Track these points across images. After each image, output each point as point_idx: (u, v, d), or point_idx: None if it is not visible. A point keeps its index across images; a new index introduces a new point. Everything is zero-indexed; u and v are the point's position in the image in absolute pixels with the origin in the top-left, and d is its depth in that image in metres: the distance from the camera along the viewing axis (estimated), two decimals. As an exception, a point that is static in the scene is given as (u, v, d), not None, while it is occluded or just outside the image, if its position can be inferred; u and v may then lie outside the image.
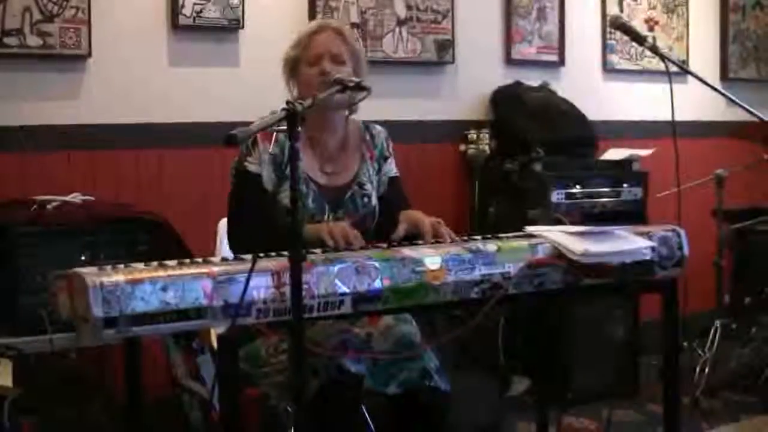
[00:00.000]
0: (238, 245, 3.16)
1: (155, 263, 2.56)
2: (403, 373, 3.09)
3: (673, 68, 3.34)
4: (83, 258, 3.75)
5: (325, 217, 3.22)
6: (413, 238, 3.04)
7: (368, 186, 3.34)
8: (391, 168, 3.44)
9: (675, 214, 3.34)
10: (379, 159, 3.41)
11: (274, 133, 3.19)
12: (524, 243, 2.97)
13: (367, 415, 3.23)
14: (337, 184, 3.30)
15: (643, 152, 5.41)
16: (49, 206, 3.92)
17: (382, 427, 3.23)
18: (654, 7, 6.25)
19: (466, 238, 3.05)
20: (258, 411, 3.31)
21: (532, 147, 5.17)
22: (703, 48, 6.50)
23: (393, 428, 3.20)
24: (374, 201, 3.34)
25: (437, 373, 3.12)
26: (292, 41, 3.36)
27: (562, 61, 5.85)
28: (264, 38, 4.82)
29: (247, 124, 2.53)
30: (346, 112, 3.33)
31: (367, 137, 3.41)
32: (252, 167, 3.20)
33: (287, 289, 2.49)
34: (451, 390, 3.14)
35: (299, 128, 2.51)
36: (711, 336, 5.09)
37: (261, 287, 2.54)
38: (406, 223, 3.11)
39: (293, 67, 3.31)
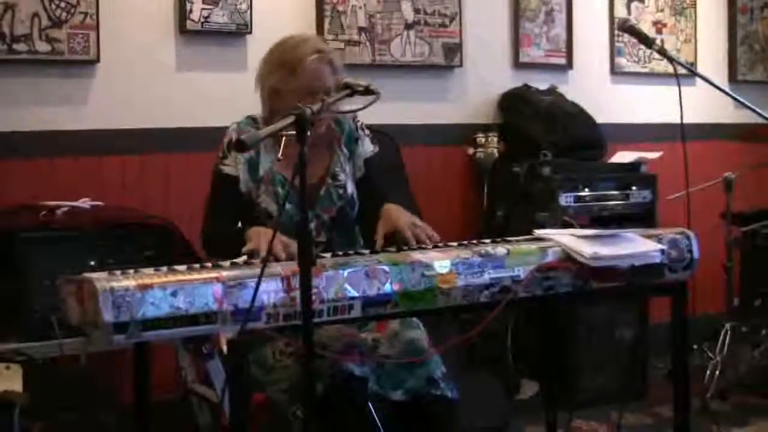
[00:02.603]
0: (210, 246, 3.24)
1: (165, 268, 2.57)
2: (409, 381, 3.08)
3: (681, 71, 3.33)
4: (92, 263, 3.76)
5: None
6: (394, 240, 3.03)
7: (342, 176, 3.32)
8: (366, 149, 3.39)
9: (684, 217, 3.33)
10: (348, 143, 3.37)
11: None
12: (533, 246, 2.97)
13: (375, 417, 3.22)
14: (311, 182, 3.23)
15: (652, 155, 5.40)
16: (58, 212, 3.92)
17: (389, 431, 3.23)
18: (662, 10, 6.24)
19: (474, 241, 3.05)
20: (267, 415, 3.31)
21: (540, 150, 5.17)
22: (711, 50, 6.49)
23: (400, 432, 3.20)
24: (350, 189, 3.33)
25: (444, 380, 3.11)
26: (276, 59, 3.28)
27: (570, 64, 5.84)
28: (272, 43, 4.81)
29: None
30: None
31: (333, 125, 3.36)
32: (228, 169, 3.27)
33: (297, 294, 2.49)
34: (458, 397, 3.13)
35: (308, 132, 2.51)
36: (721, 338, 5.08)
37: (271, 292, 2.55)
38: (384, 227, 3.08)
39: (277, 90, 3.24)
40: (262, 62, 3.34)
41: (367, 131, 3.42)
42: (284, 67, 3.23)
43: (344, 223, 3.30)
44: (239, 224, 3.19)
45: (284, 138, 3.13)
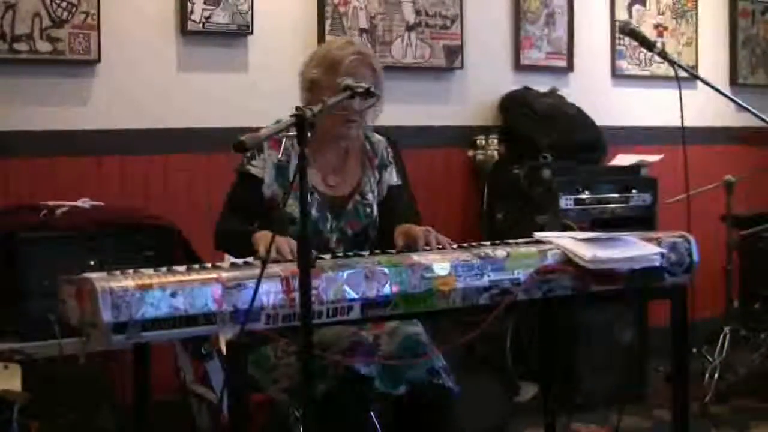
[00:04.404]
0: (220, 241, 3.24)
1: (164, 269, 2.57)
2: (410, 372, 3.08)
3: (682, 74, 3.33)
4: (92, 263, 3.76)
5: (328, 226, 3.24)
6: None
7: (370, 196, 3.35)
8: (391, 177, 3.43)
9: (684, 220, 3.33)
10: (380, 167, 3.41)
11: (282, 141, 3.19)
12: (533, 249, 2.97)
13: (375, 419, 3.22)
14: (339, 194, 3.31)
15: (652, 158, 5.40)
16: (58, 211, 3.92)
17: (388, 425, 3.23)
18: (663, 13, 6.24)
19: (474, 244, 3.05)
20: (266, 416, 3.31)
21: (540, 152, 5.17)
22: (712, 54, 6.49)
23: (400, 427, 3.20)
24: (375, 211, 3.35)
25: (444, 371, 3.13)
26: (319, 55, 3.28)
27: (570, 67, 5.85)
28: (273, 44, 4.83)
29: (256, 129, 2.53)
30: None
31: (368, 146, 3.41)
32: (254, 170, 3.24)
33: (297, 295, 2.49)
34: (459, 390, 3.14)
35: (309, 134, 2.51)
36: (720, 342, 5.08)
37: (270, 293, 2.54)
38: (401, 239, 3.12)
39: (316, 83, 3.24)
40: (306, 59, 3.34)
41: (394, 163, 3.46)
42: (325, 62, 3.25)
43: (364, 242, 3.31)
44: (255, 224, 3.18)
45: (285, 140, 3.14)
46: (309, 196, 3.18)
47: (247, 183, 3.26)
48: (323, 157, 3.30)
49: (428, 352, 3.13)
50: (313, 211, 3.20)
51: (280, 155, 3.24)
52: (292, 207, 3.17)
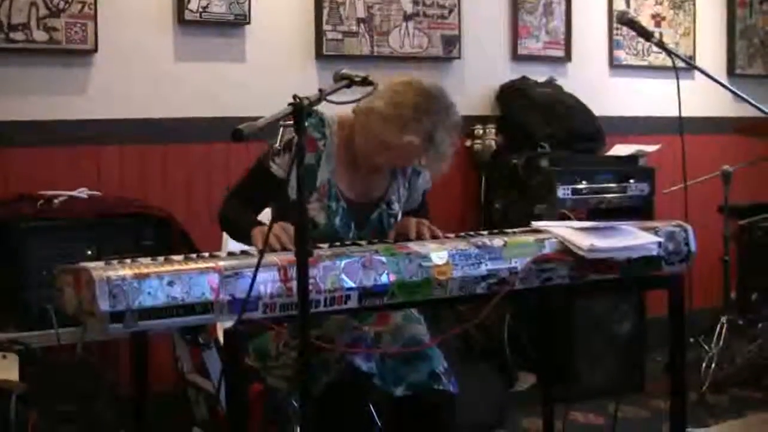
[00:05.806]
0: (223, 223, 3.20)
1: (162, 258, 2.58)
2: (411, 375, 3.08)
3: (680, 64, 3.33)
4: (89, 253, 3.76)
5: (350, 235, 3.16)
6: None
7: (396, 205, 3.26)
8: (427, 181, 3.35)
9: (681, 210, 3.34)
10: (412, 173, 3.31)
11: (318, 143, 3.13)
12: (531, 238, 2.97)
13: (374, 413, 3.22)
14: (365, 201, 3.22)
15: (650, 148, 5.40)
16: (55, 201, 3.92)
17: (387, 426, 3.23)
18: (661, 3, 6.23)
19: (471, 233, 3.05)
20: (263, 406, 3.31)
21: (538, 142, 5.17)
22: (709, 44, 6.49)
23: (398, 428, 3.19)
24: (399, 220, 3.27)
25: (445, 375, 3.11)
26: (398, 102, 3.04)
27: (568, 57, 5.84)
28: (271, 33, 4.82)
29: (254, 119, 2.52)
30: None
31: None
32: (276, 169, 3.11)
33: (294, 284, 2.49)
34: (458, 393, 3.13)
35: (306, 124, 2.50)
36: (717, 332, 5.09)
37: (267, 282, 2.54)
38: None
39: (371, 117, 3.07)
40: (392, 86, 3.10)
41: None
42: (397, 116, 3.03)
43: None
44: (259, 214, 3.16)
45: (320, 143, 3.12)
46: (336, 203, 3.16)
47: (263, 179, 3.14)
48: (354, 165, 3.19)
49: (429, 351, 3.11)
50: (337, 220, 3.13)
51: (312, 158, 3.12)
52: (315, 211, 3.11)
